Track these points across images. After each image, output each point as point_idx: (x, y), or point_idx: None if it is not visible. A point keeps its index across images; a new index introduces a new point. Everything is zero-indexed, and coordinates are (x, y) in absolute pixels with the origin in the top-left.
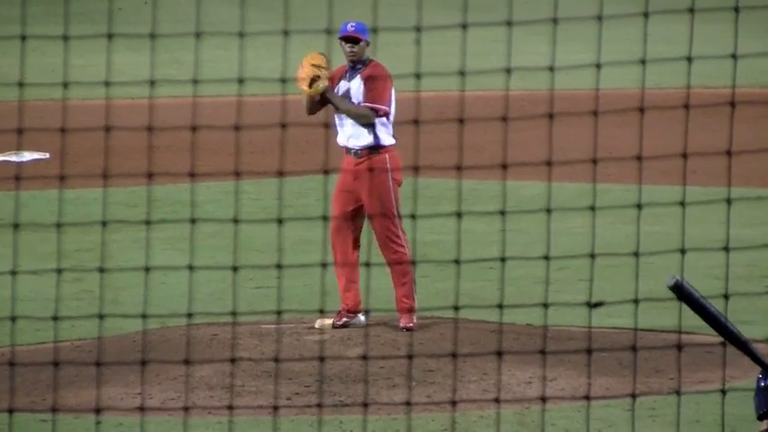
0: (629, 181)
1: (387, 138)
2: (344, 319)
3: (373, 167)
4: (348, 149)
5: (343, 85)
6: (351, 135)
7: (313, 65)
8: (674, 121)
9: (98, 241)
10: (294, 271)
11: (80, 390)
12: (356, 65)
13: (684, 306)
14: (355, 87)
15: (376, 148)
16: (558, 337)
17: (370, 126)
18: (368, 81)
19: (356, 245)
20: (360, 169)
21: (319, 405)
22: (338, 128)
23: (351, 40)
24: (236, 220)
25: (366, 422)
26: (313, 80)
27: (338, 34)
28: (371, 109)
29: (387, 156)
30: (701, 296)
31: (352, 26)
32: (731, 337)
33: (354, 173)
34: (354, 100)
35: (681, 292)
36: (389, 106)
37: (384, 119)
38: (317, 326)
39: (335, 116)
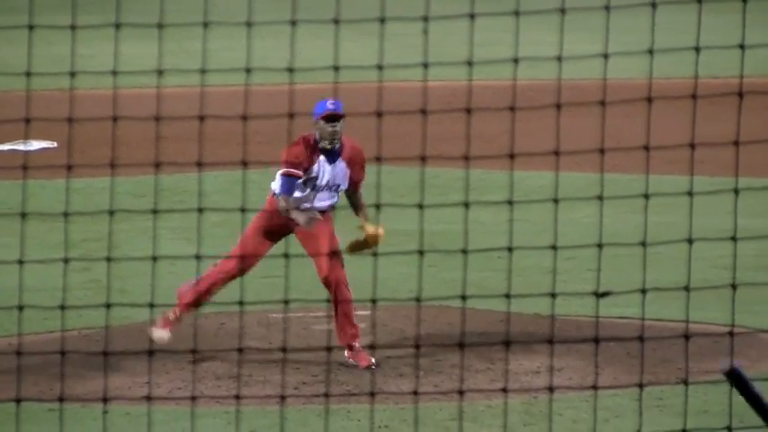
0: (637, 171)
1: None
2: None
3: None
4: (317, 210)
5: (323, 169)
6: (326, 198)
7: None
8: (681, 111)
9: (105, 231)
10: (301, 261)
11: (87, 379)
12: (335, 145)
13: (692, 295)
14: (338, 170)
15: (334, 206)
16: (565, 326)
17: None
18: (357, 166)
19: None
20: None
21: (327, 395)
22: (312, 199)
23: (335, 117)
24: (243, 210)
25: (373, 411)
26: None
27: (316, 111)
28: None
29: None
30: (755, 386)
31: (332, 103)
32: None
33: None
34: (337, 182)
35: (735, 379)
36: None
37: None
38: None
39: (309, 197)
